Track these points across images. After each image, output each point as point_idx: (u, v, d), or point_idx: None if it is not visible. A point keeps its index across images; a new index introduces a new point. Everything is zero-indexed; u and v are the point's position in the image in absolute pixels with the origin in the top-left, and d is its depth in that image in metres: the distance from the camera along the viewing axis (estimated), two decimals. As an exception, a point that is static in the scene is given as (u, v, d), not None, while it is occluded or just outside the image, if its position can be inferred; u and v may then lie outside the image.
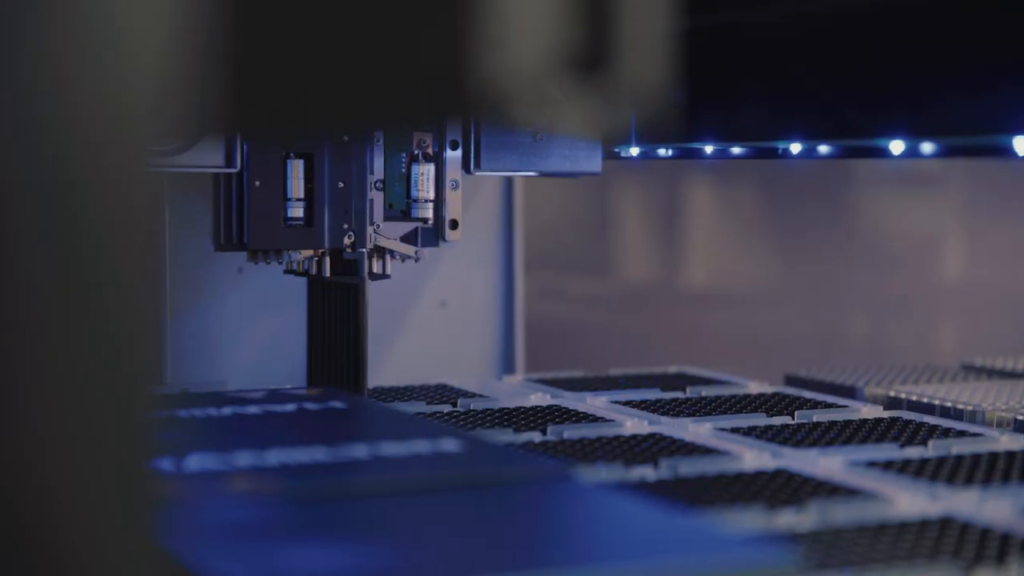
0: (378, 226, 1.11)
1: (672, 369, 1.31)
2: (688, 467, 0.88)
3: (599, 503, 0.71)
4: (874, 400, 1.15)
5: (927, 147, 1.00)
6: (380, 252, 1.12)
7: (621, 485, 0.83)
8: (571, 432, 0.99)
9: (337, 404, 0.96)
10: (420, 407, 1.10)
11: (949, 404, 1.09)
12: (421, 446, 0.81)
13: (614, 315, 1.66)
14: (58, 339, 0.40)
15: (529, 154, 1.15)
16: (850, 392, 1.18)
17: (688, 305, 1.69)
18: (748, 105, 1.12)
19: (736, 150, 1.15)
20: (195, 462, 0.76)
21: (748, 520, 0.76)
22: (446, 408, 1.10)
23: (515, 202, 1.35)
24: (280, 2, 0.46)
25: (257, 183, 1.07)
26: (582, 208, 1.65)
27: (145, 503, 0.42)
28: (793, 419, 1.06)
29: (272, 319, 1.24)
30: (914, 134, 1.00)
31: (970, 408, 1.07)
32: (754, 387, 1.20)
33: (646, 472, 0.87)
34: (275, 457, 0.78)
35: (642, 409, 1.09)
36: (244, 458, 0.77)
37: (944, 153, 1.02)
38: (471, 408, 1.10)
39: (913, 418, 1.05)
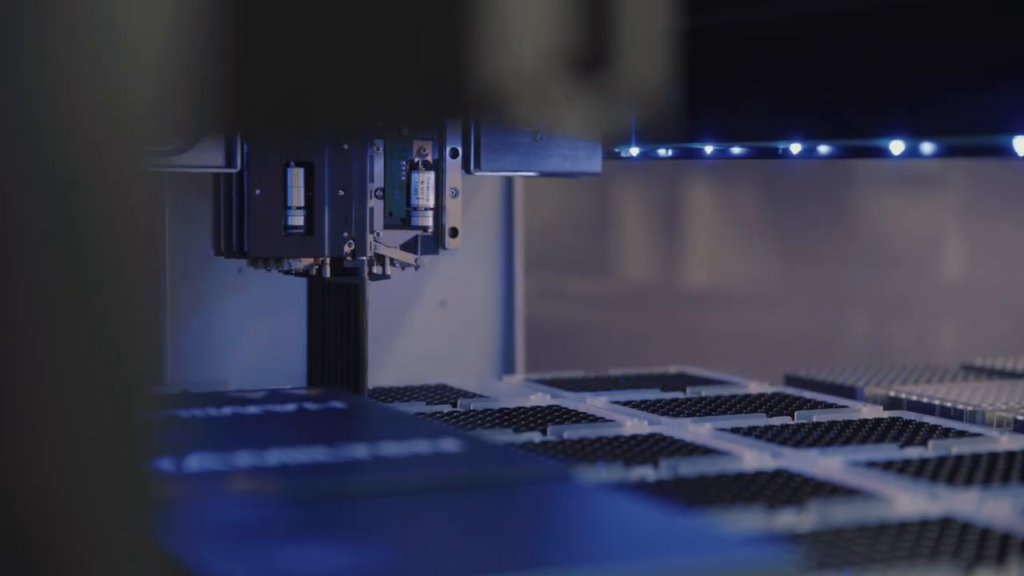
0: (378, 234, 1.11)
1: (672, 369, 1.31)
2: (688, 467, 0.88)
3: (599, 503, 0.71)
4: (874, 400, 1.15)
5: (927, 147, 1.00)
6: (380, 259, 1.12)
7: (621, 485, 0.83)
8: (571, 432, 0.99)
9: (337, 404, 0.96)
10: (420, 407, 1.10)
11: (949, 404, 1.09)
12: (421, 446, 0.81)
13: (614, 315, 1.66)
14: (58, 339, 0.40)
15: (529, 154, 1.15)
16: (850, 392, 1.18)
17: (688, 305, 1.69)
18: (748, 105, 1.12)
19: (736, 150, 1.15)
20: (195, 462, 0.76)
21: (748, 520, 0.76)
22: (446, 408, 1.10)
23: (515, 202, 1.35)
24: (280, 2, 0.46)
25: (257, 191, 1.07)
26: (582, 208, 1.65)
27: (145, 503, 0.42)
28: (793, 419, 1.06)
29: (272, 319, 1.24)
30: (914, 134, 1.00)
31: (970, 408, 1.07)
32: (754, 387, 1.20)
33: (646, 472, 0.87)
34: (275, 457, 0.78)
35: (642, 409, 1.09)
36: (244, 458, 0.77)
37: (944, 153, 1.02)
38: (471, 408, 1.10)
39: (913, 418, 1.05)
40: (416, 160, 1.13)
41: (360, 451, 0.80)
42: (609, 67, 0.48)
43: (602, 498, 0.72)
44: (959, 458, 0.91)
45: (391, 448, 0.80)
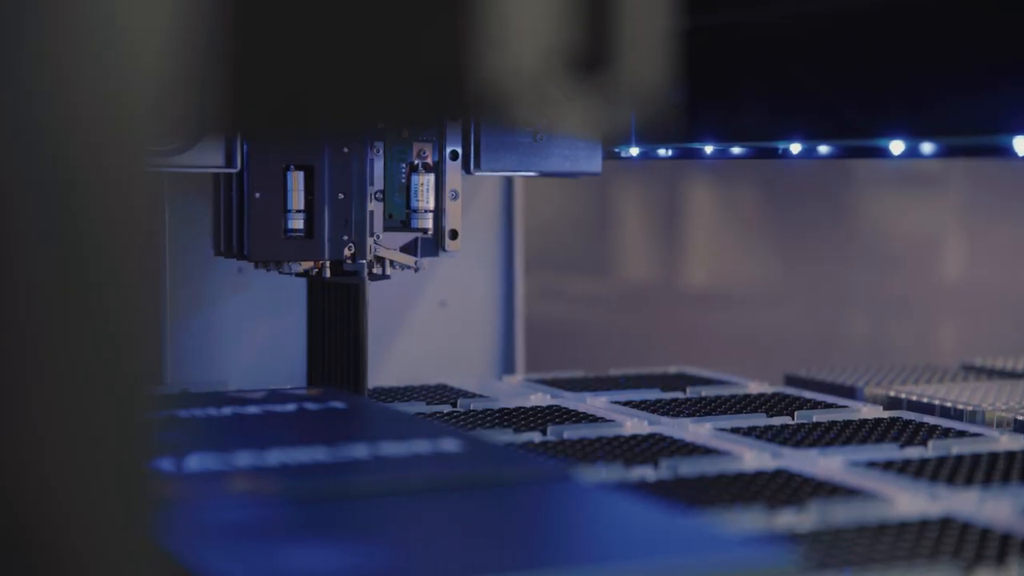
0: (378, 236, 1.11)
1: (672, 369, 1.31)
2: (688, 467, 0.88)
3: (599, 503, 0.71)
4: (874, 400, 1.15)
5: (927, 147, 1.00)
6: (380, 260, 1.12)
7: (621, 485, 0.83)
8: (571, 432, 0.99)
9: (337, 404, 0.96)
10: (420, 407, 1.10)
11: (949, 404, 1.09)
12: (421, 446, 0.81)
13: (614, 315, 1.66)
14: (58, 339, 0.40)
15: (529, 154, 1.15)
16: (850, 392, 1.18)
17: (688, 305, 1.69)
18: (748, 105, 1.12)
19: (736, 150, 1.15)
20: (195, 462, 0.76)
21: (748, 520, 0.76)
22: (446, 408, 1.10)
23: (515, 202, 1.35)
24: (280, 2, 0.46)
25: (257, 195, 1.07)
26: (582, 208, 1.65)
27: (145, 503, 0.42)
28: (793, 419, 1.06)
29: (272, 319, 1.24)
30: (914, 134, 1.00)
31: (970, 408, 1.07)
32: (754, 387, 1.20)
33: (646, 472, 0.87)
34: (275, 457, 0.78)
35: (642, 409, 1.09)
36: (244, 458, 0.77)
37: (944, 153, 1.02)
38: (471, 408, 1.10)
39: (913, 418, 1.05)
40: (416, 162, 1.13)
41: (360, 451, 0.80)
42: (609, 67, 0.48)
43: (602, 498, 0.72)
44: (959, 458, 0.91)
45: (391, 448, 0.80)
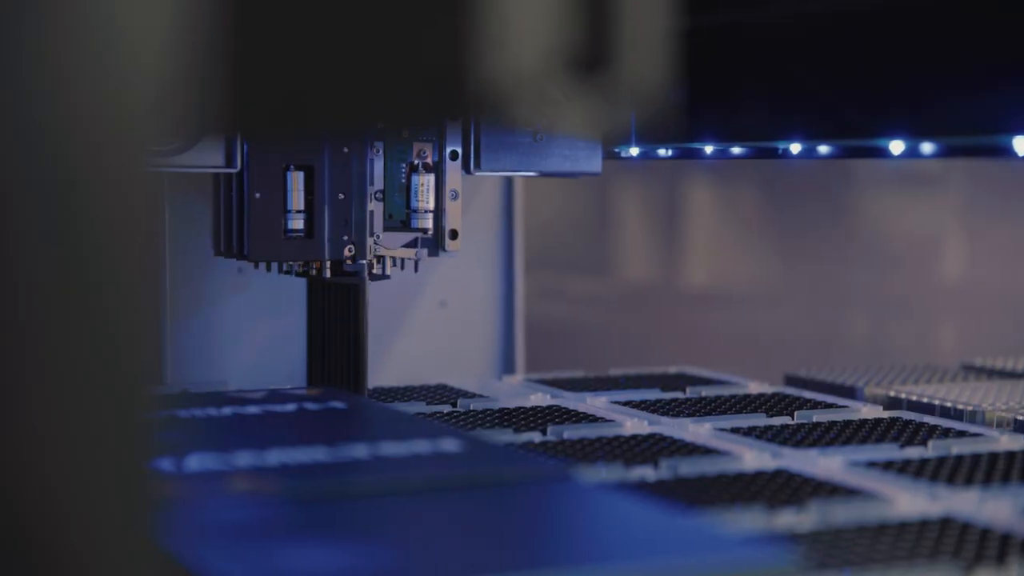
0: (378, 236, 1.11)
1: (672, 369, 1.31)
2: (688, 467, 0.88)
3: (599, 503, 0.71)
4: (874, 400, 1.15)
5: (927, 147, 1.00)
6: (379, 258, 1.12)
7: (621, 485, 0.83)
8: (571, 432, 0.99)
9: (337, 404, 0.96)
10: (420, 407, 1.10)
11: (949, 404, 1.09)
12: (421, 446, 0.81)
13: (614, 315, 1.66)
14: (58, 339, 0.40)
15: (529, 154, 1.15)
16: (850, 392, 1.18)
17: (688, 305, 1.69)
18: (748, 105, 1.12)
19: (736, 150, 1.15)
20: (195, 462, 0.76)
21: (748, 520, 0.76)
22: (446, 408, 1.10)
23: (515, 202, 1.35)
24: (280, 2, 0.46)
25: (257, 195, 1.07)
26: (582, 208, 1.65)
27: (145, 503, 0.42)
28: (793, 419, 1.06)
29: (272, 319, 1.24)
30: (914, 134, 1.00)
31: (970, 408, 1.07)
32: (754, 387, 1.20)
33: (646, 472, 0.87)
34: (275, 457, 0.78)
35: (642, 409, 1.09)
36: (244, 458, 0.77)
37: (944, 153, 1.02)
38: (471, 408, 1.10)
39: (913, 418, 1.05)
40: (416, 162, 1.13)
41: (360, 451, 0.80)
42: (609, 67, 0.48)
43: (602, 498, 0.72)
44: (959, 458, 0.91)
45: (391, 448, 0.80)
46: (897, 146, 1.01)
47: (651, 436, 0.98)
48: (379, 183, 1.11)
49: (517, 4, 0.45)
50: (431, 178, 1.12)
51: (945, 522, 0.76)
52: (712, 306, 1.69)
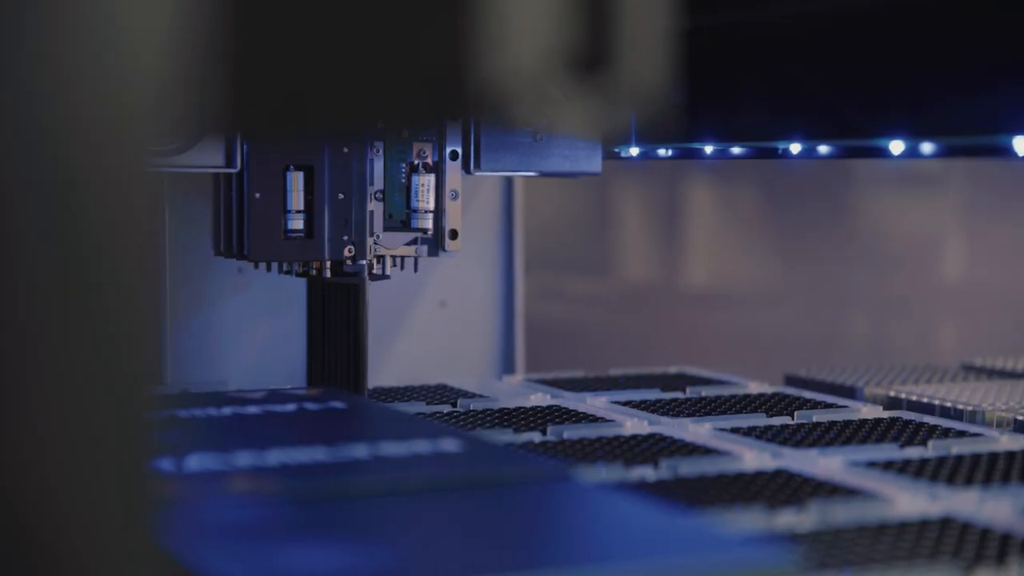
0: (378, 236, 1.11)
1: (672, 369, 1.31)
2: (688, 467, 0.88)
3: (599, 503, 0.71)
4: (874, 400, 1.15)
5: (927, 147, 1.00)
6: (379, 260, 1.12)
7: (621, 485, 0.83)
8: (571, 432, 0.99)
9: (337, 404, 0.96)
10: (420, 407, 1.10)
11: (949, 404, 1.09)
12: (421, 446, 0.81)
13: (614, 315, 1.66)
14: (58, 339, 0.40)
15: (529, 154, 1.15)
16: (850, 392, 1.18)
17: (688, 305, 1.69)
18: (748, 105, 1.12)
19: (736, 150, 1.15)
20: (195, 462, 0.76)
21: (748, 520, 0.76)
22: (446, 408, 1.10)
23: (515, 202, 1.35)
24: (280, 2, 0.46)
25: (257, 195, 1.07)
26: (582, 208, 1.65)
27: (145, 503, 0.42)
28: (793, 419, 1.06)
29: (272, 319, 1.24)
30: (914, 134, 1.00)
31: (970, 408, 1.07)
32: (754, 387, 1.20)
33: (646, 472, 0.87)
34: (275, 457, 0.78)
35: (642, 409, 1.09)
36: (244, 458, 0.77)
37: (944, 153, 1.02)
38: (471, 408, 1.10)
39: (913, 418, 1.05)
40: (416, 162, 1.13)
41: (360, 451, 0.80)
42: (609, 67, 0.48)
43: (602, 498, 0.72)
44: (959, 458, 0.91)
45: (391, 448, 0.80)
46: (897, 146, 1.01)
47: (651, 436, 0.98)
48: (379, 183, 1.11)
49: (517, 4, 0.45)
50: (431, 178, 1.12)
51: (945, 522, 0.76)
52: (712, 306, 1.69)
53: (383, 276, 1.12)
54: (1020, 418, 1.04)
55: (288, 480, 0.74)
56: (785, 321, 1.70)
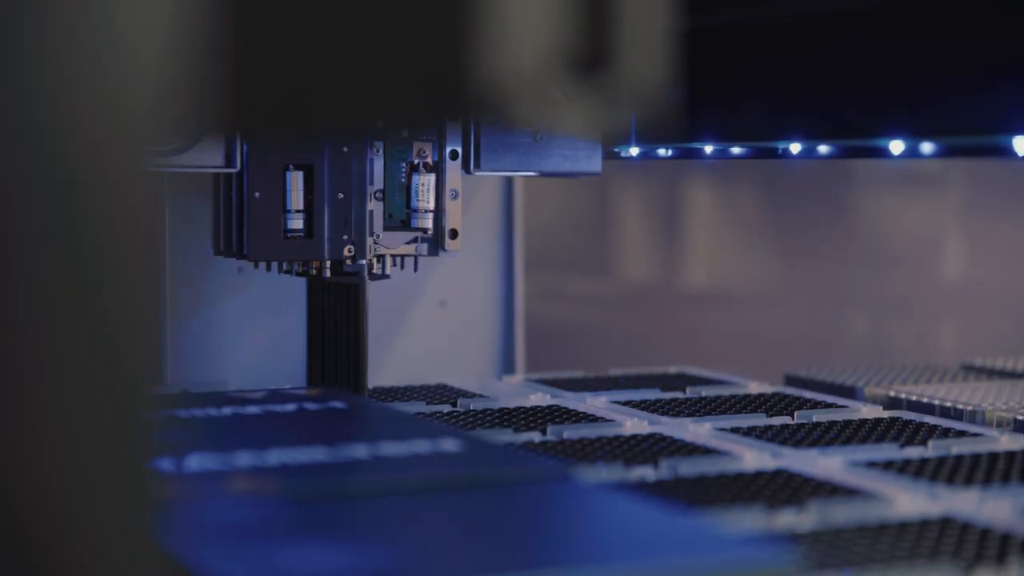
0: (378, 236, 1.11)
1: (672, 369, 1.31)
2: (688, 467, 0.88)
3: (599, 503, 0.71)
4: (874, 400, 1.15)
5: (927, 147, 1.00)
6: (379, 258, 1.12)
7: (621, 485, 0.83)
8: (571, 432, 0.99)
9: (337, 404, 0.96)
10: (420, 407, 1.10)
11: (949, 404, 1.09)
12: (421, 446, 0.81)
13: (614, 315, 1.66)
14: (58, 339, 0.40)
15: (529, 154, 1.15)
16: (850, 392, 1.18)
17: (688, 305, 1.69)
18: (748, 105, 1.12)
19: (736, 150, 1.15)
20: (195, 462, 0.76)
21: (748, 520, 0.76)
22: (446, 408, 1.10)
23: (515, 202, 1.35)
24: (280, 2, 0.46)
25: (257, 194, 1.07)
26: (582, 208, 1.65)
27: (145, 503, 0.42)
28: (793, 419, 1.06)
29: (272, 319, 1.24)
30: (914, 134, 1.00)
31: (970, 408, 1.07)
32: (754, 387, 1.20)
33: (646, 472, 0.87)
34: (275, 457, 0.78)
35: (642, 409, 1.09)
36: (244, 458, 0.77)
37: (944, 153, 1.02)
38: (471, 408, 1.10)
39: (913, 418, 1.05)
40: (416, 162, 1.13)
41: (360, 451, 0.80)
42: (609, 67, 0.48)
43: (602, 498, 0.72)
44: (959, 458, 0.91)
45: (391, 448, 0.80)
46: (897, 146, 1.01)
47: (651, 436, 0.98)
48: (379, 183, 1.11)
49: (517, 4, 0.46)
50: (431, 178, 1.12)
51: (945, 522, 0.76)
52: (712, 306, 1.69)
53: (383, 276, 1.12)
54: (1020, 418, 1.04)
55: (288, 480, 0.74)
56: (785, 321, 1.70)
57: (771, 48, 1.07)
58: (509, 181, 1.34)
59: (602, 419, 1.04)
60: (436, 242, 1.13)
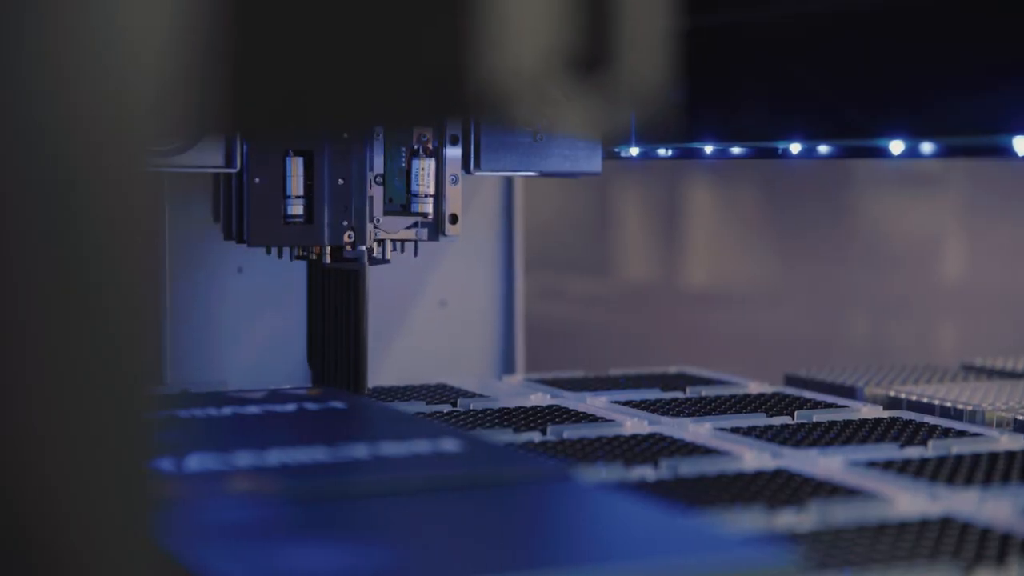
0: (378, 220, 1.11)
1: (672, 369, 1.31)
2: (688, 467, 0.88)
3: (599, 503, 0.71)
4: (874, 400, 1.15)
5: (927, 147, 1.00)
6: (379, 242, 1.12)
7: (621, 485, 0.83)
8: (571, 432, 0.99)
9: (337, 404, 0.96)
10: (420, 407, 1.10)
11: (949, 404, 1.09)
12: (421, 446, 0.81)
13: (614, 315, 1.66)
14: (58, 339, 0.40)
15: (529, 154, 1.15)
16: (850, 392, 1.18)
17: (688, 305, 1.69)
18: (748, 105, 1.12)
19: (736, 150, 1.15)
20: (195, 462, 0.76)
21: (748, 520, 0.76)
22: (446, 408, 1.10)
23: (515, 202, 1.35)
24: (280, 2, 0.46)
25: (257, 180, 1.08)
26: (582, 208, 1.65)
27: (145, 503, 0.42)
28: (793, 419, 1.06)
29: (272, 319, 1.24)
30: (914, 134, 1.00)
31: (970, 408, 1.07)
32: (754, 387, 1.20)
33: (646, 472, 0.87)
34: (275, 457, 0.78)
35: (642, 409, 1.09)
36: (244, 458, 0.77)
37: (944, 153, 1.02)
38: (471, 408, 1.10)
39: (913, 418, 1.05)
40: (416, 147, 1.13)
41: (360, 451, 0.80)
42: (609, 67, 0.48)
43: (602, 498, 0.72)
44: (959, 458, 0.91)
45: (391, 448, 0.80)
46: (897, 146, 1.01)
47: (651, 436, 0.98)
48: (379, 168, 1.12)
49: (517, 4, 0.46)
50: (431, 162, 1.13)
51: (945, 522, 0.76)
52: (712, 306, 1.69)
53: (383, 260, 1.12)
54: (1020, 418, 1.04)
55: (288, 480, 0.74)
56: (785, 321, 1.70)
57: (771, 48, 1.07)
58: (509, 181, 1.34)
59: (602, 419, 1.04)
60: (436, 227, 1.13)
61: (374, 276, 1.16)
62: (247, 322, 1.24)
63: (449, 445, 0.82)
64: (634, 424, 1.03)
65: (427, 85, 0.46)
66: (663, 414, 1.07)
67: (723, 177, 1.70)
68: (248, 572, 0.59)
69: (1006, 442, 0.97)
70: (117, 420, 0.41)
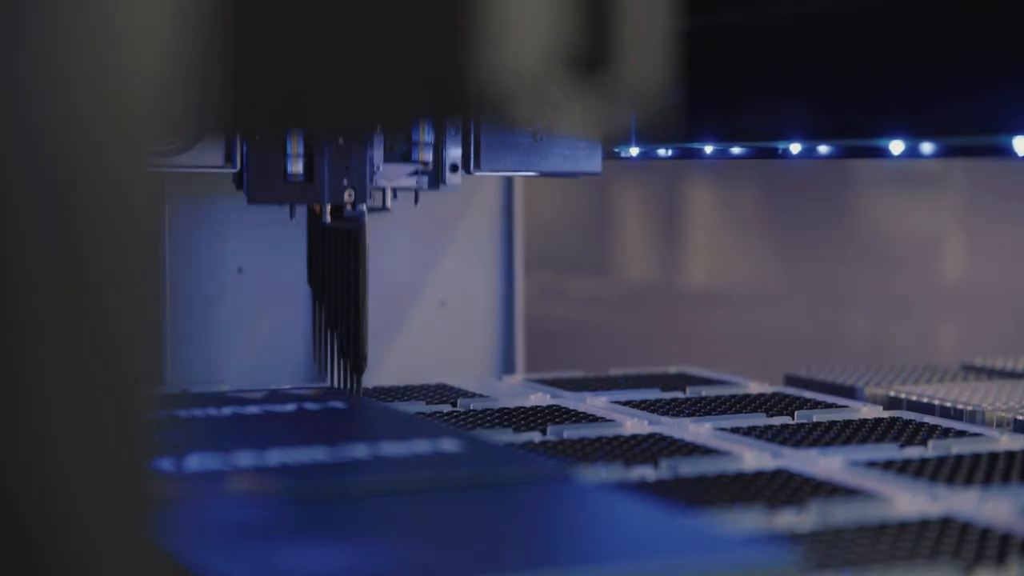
0: (378, 168, 1.11)
1: (672, 369, 1.31)
2: (688, 467, 0.88)
3: (599, 503, 0.71)
4: (874, 400, 1.15)
5: (927, 147, 1.00)
6: (380, 192, 1.12)
7: (621, 485, 0.83)
8: (571, 432, 0.99)
9: (337, 404, 0.96)
10: (420, 407, 1.10)
11: (949, 404, 1.09)
12: (421, 446, 0.81)
13: (614, 315, 1.66)
14: (58, 339, 0.40)
15: (529, 154, 1.15)
16: (850, 392, 1.18)
17: (688, 305, 1.69)
18: (748, 105, 1.12)
19: (736, 150, 1.15)
20: (195, 462, 0.76)
21: (748, 520, 0.76)
22: (446, 408, 1.10)
23: (515, 202, 1.35)
24: (280, 2, 0.46)
25: (258, 138, 1.08)
26: (582, 208, 1.66)
27: (145, 503, 0.42)
28: (793, 419, 1.06)
29: (272, 318, 1.24)
30: (914, 134, 1.00)
31: (970, 408, 1.07)
32: (754, 387, 1.20)
33: (646, 472, 0.87)
34: (275, 457, 0.78)
35: (642, 409, 1.09)
36: (244, 458, 0.77)
37: (944, 153, 1.02)
38: (471, 408, 1.10)
39: (913, 418, 1.05)
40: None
41: (360, 451, 0.80)
42: (609, 67, 0.48)
43: (602, 498, 0.72)
44: (959, 458, 0.91)
45: (391, 448, 0.80)
46: (897, 146, 1.01)
47: (651, 436, 0.98)
48: (380, 117, 1.12)
49: (517, 4, 0.46)
50: (432, 109, 1.13)
51: (945, 522, 0.76)
52: (712, 306, 1.69)
53: (383, 208, 1.12)
54: (1020, 418, 1.04)
55: (288, 480, 0.74)
56: (785, 321, 1.70)
57: (771, 48, 1.07)
58: (509, 181, 1.34)
59: (602, 419, 1.04)
60: (436, 176, 1.13)
61: (374, 276, 1.16)
62: (247, 322, 1.24)
63: (449, 445, 0.82)
64: (634, 424, 1.03)
65: (427, 85, 0.46)
66: (663, 414, 1.07)
67: (723, 177, 1.70)
68: (248, 572, 0.59)
69: (1006, 442, 0.97)
70: (117, 420, 0.41)
